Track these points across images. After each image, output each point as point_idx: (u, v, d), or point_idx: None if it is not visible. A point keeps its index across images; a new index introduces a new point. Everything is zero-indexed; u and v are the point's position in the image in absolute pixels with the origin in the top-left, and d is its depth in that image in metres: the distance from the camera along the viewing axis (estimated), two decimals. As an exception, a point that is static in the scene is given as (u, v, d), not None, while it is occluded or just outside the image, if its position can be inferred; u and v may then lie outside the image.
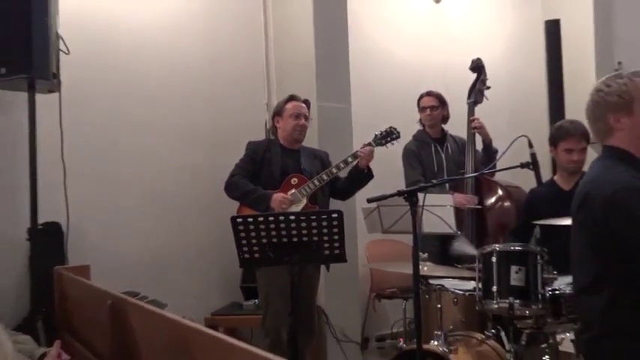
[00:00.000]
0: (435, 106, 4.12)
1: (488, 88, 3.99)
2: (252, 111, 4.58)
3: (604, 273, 2.01)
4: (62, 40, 3.48)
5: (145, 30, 4.20)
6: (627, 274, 1.96)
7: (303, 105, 3.62)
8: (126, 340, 2.05)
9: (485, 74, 3.99)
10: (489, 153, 3.97)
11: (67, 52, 3.51)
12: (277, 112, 3.66)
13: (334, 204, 3.65)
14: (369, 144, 3.54)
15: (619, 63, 5.85)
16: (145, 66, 4.18)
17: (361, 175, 3.55)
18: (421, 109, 4.16)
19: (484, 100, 3.99)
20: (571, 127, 3.22)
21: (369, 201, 2.92)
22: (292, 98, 3.63)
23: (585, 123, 2.41)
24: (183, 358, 1.60)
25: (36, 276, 3.45)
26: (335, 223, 2.63)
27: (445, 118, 4.18)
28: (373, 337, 4.72)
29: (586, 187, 2.07)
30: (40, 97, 3.43)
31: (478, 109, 4.06)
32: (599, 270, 2.03)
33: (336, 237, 2.66)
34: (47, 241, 3.56)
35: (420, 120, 4.19)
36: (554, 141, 3.29)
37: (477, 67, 3.99)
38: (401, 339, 3.94)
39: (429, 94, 4.17)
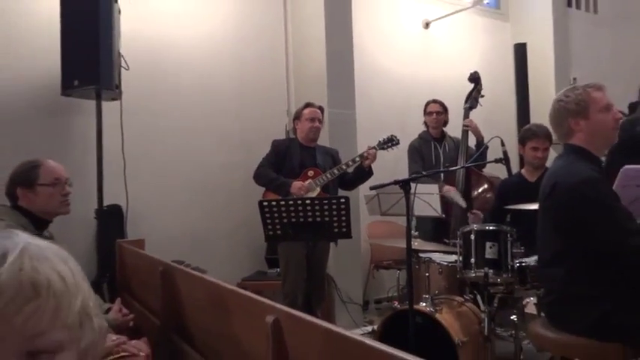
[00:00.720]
0: (439, 111, 4.07)
1: (483, 96, 3.93)
2: (275, 116, 4.56)
3: (565, 249, 2.00)
4: (123, 57, 3.49)
5: (189, 50, 4.19)
6: (583, 250, 1.95)
7: (318, 110, 3.59)
8: (174, 298, 2.06)
9: (480, 84, 3.93)
10: (481, 148, 3.93)
11: (126, 67, 3.52)
12: (296, 117, 3.64)
13: (342, 192, 3.62)
14: (374, 148, 3.50)
15: (574, 78, 5.79)
16: (188, 79, 4.17)
17: (363, 173, 3.53)
18: (428, 113, 4.09)
19: (478, 105, 3.93)
20: (537, 129, 3.18)
21: (372, 188, 2.91)
22: (308, 105, 3.60)
23: (549, 127, 2.39)
24: (221, 313, 1.60)
25: (101, 248, 3.47)
26: (343, 206, 2.64)
27: (445, 122, 4.14)
28: (372, 300, 4.70)
29: (553, 179, 2.06)
30: (105, 104, 3.44)
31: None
32: (560, 247, 2.02)
33: (343, 218, 2.65)
34: (110, 220, 3.58)
35: (425, 122, 4.13)
36: (522, 140, 3.23)
37: (474, 78, 3.94)
38: (395, 301, 3.93)
39: (434, 101, 4.12)
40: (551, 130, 2.33)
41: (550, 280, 2.08)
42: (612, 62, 5.99)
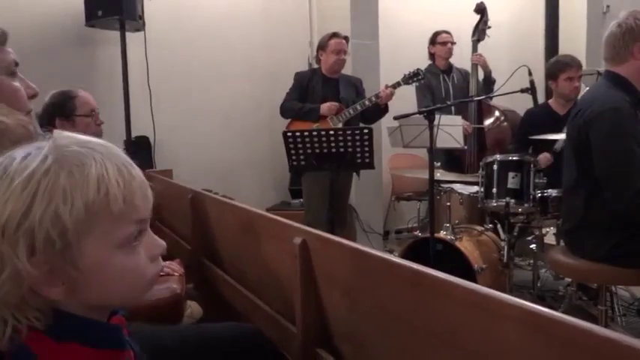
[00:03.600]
0: (452, 41, 3.96)
1: (489, 27, 3.79)
2: (298, 48, 4.47)
3: (582, 176, 1.98)
4: (146, -13, 3.44)
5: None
6: (596, 178, 1.92)
7: (344, 41, 3.49)
8: (203, 224, 2.11)
9: (487, 16, 3.78)
10: (488, 82, 3.83)
11: (149, -2, 3.47)
12: (321, 47, 3.53)
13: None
14: (397, 84, 3.42)
15: (607, 6, 5.48)
16: (212, 9, 4.09)
17: (379, 110, 3.49)
18: (441, 43, 3.96)
19: (486, 37, 3.80)
20: (570, 60, 3.06)
21: (395, 118, 2.88)
22: (335, 35, 3.49)
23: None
24: (249, 236, 1.64)
25: (131, 177, 3.54)
26: (366, 137, 2.62)
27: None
28: (393, 231, 4.77)
29: (580, 104, 2.01)
30: (129, 36, 3.42)
31: (484, 45, 3.89)
32: (578, 173, 2.00)
33: (366, 149, 2.64)
34: (139, 151, 3.64)
35: (432, 54, 4.02)
36: (554, 73, 3.10)
37: (480, 9, 3.78)
38: (416, 231, 3.99)
39: (445, 32, 4.00)
40: (602, 49, 2.08)
41: (569, 207, 2.08)
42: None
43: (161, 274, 1.78)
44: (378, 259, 1.03)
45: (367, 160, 2.69)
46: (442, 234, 2.77)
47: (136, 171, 0.70)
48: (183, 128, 3.95)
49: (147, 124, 3.64)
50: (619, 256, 1.91)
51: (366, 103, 3.41)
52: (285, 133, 2.71)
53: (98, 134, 2.18)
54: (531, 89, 2.91)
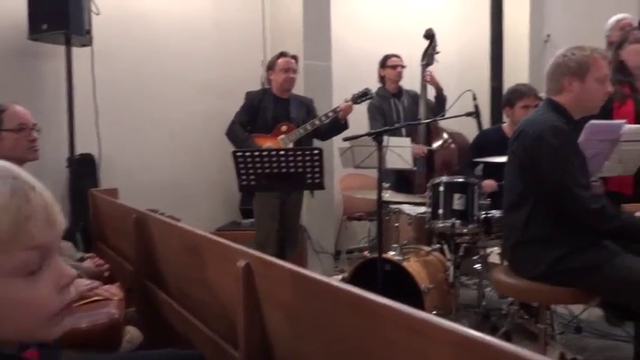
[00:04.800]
0: (402, 65, 4.05)
1: (438, 52, 3.91)
2: (251, 66, 4.47)
3: (524, 193, 2.07)
4: (93, 2, 3.36)
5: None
6: (539, 194, 2.03)
7: (292, 60, 3.52)
8: (147, 245, 2.06)
9: (435, 41, 3.90)
10: (440, 99, 3.94)
11: (97, 12, 3.39)
12: (270, 66, 3.56)
13: (316, 142, 3.62)
14: (349, 101, 3.47)
15: (548, 35, 5.78)
16: (163, 25, 4.05)
17: (339, 125, 3.51)
18: (391, 67, 4.05)
19: (435, 62, 3.92)
20: (525, 89, 3.17)
21: (345, 139, 2.92)
22: (282, 55, 3.53)
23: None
24: (193, 258, 1.61)
25: (74, 196, 3.42)
26: (316, 158, 2.63)
27: None
28: (344, 250, 4.79)
29: (522, 126, 2.12)
30: (75, 50, 3.34)
31: (433, 69, 3.98)
32: (520, 191, 2.09)
33: (316, 169, 2.65)
34: (83, 169, 3.52)
35: (382, 77, 4.10)
36: (510, 101, 3.18)
37: (429, 35, 3.90)
38: (366, 251, 4.02)
39: (395, 55, 4.09)
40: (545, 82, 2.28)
41: (510, 224, 2.16)
42: (586, 19, 5.98)
43: (99, 298, 1.72)
44: (320, 283, 1.03)
45: (317, 181, 2.70)
46: (390, 254, 2.80)
47: (39, 195, 0.66)
48: (130, 146, 3.86)
49: (92, 141, 3.54)
50: (556, 274, 1.98)
51: (322, 119, 3.43)
52: (234, 153, 2.70)
53: (31, 151, 2.09)
54: (476, 113, 3.01)
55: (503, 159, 2.76)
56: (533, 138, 2.01)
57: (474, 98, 3.14)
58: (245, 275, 1.27)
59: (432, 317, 0.80)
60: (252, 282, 1.27)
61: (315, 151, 2.63)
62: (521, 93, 3.15)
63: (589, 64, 2.03)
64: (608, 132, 2.46)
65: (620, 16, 3.85)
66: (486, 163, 3.19)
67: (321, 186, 2.73)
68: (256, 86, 4.11)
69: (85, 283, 1.75)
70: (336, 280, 1.03)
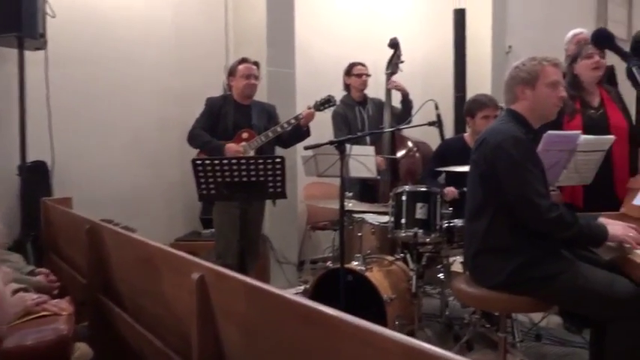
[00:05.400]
0: (367, 74, 4.09)
1: (403, 62, 3.97)
2: (213, 72, 4.43)
3: (485, 202, 2.12)
4: (48, 4, 3.28)
5: (123, 1, 3.99)
6: (500, 203, 2.07)
7: (254, 66, 3.50)
8: (100, 257, 2.02)
9: (400, 50, 3.96)
10: (407, 104, 3.98)
11: (52, 15, 3.32)
12: (231, 73, 3.53)
13: (278, 150, 3.61)
14: (312, 108, 3.48)
15: (509, 46, 5.95)
16: (122, 29, 3.97)
17: (301, 132, 3.50)
18: (356, 75, 4.08)
19: (399, 71, 3.98)
20: (485, 99, 3.24)
21: (306, 148, 2.93)
22: (243, 60, 3.50)
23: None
24: (147, 271, 1.59)
25: (25, 205, 3.32)
26: (278, 166, 2.63)
27: None
28: (308, 261, 4.78)
29: (484, 135, 2.18)
30: (29, 54, 3.25)
31: (397, 78, 4.04)
32: (481, 199, 2.14)
33: (278, 178, 2.65)
34: (35, 177, 3.41)
35: (347, 85, 4.13)
36: (471, 111, 3.25)
37: (394, 44, 3.96)
38: (330, 261, 4.02)
39: (361, 63, 4.13)
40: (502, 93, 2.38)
41: (471, 232, 2.21)
42: (546, 30, 6.17)
43: (47, 313, 1.67)
44: (274, 296, 1.03)
45: (279, 190, 2.70)
46: (353, 265, 2.81)
47: None
48: (85, 153, 3.76)
49: (45, 148, 3.43)
50: (516, 283, 2.03)
51: (284, 126, 3.42)
52: (194, 161, 2.67)
53: None
54: (438, 122, 3.07)
55: (464, 168, 2.82)
56: (493, 147, 2.08)
57: (436, 108, 3.19)
58: (199, 288, 1.26)
59: (383, 330, 0.80)
60: (206, 295, 1.26)
61: (277, 159, 2.64)
62: (481, 103, 3.22)
63: (538, 72, 2.13)
64: (565, 142, 2.55)
65: (576, 30, 3.99)
66: (448, 173, 3.25)
67: (283, 195, 2.73)
68: (218, 93, 4.07)
69: (32, 297, 1.69)
70: (289, 293, 1.03)
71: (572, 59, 3.10)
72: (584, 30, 3.97)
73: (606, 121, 2.97)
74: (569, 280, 1.96)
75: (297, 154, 3.87)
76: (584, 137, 2.57)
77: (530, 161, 2.05)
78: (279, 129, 3.41)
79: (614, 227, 1.99)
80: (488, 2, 5.91)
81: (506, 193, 2.03)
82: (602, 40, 2.22)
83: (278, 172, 2.64)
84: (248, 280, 1.13)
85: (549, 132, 2.46)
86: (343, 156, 2.59)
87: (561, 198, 2.93)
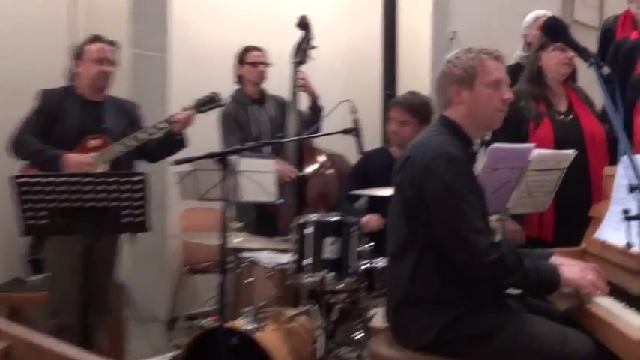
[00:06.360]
0: (266, 62, 4.12)
1: (314, 47, 4.02)
2: (51, 56, 4.27)
3: (411, 237, 2.17)
4: None
5: None
6: (428, 240, 2.12)
7: (109, 47, 3.42)
8: None
9: (311, 33, 4.01)
10: (316, 110, 4.06)
11: None
12: (77, 55, 3.44)
13: (141, 166, 3.54)
14: (190, 108, 3.44)
15: (454, 32, 6.22)
16: None
17: (173, 142, 3.44)
18: (250, 64, 4.11)
19: (308, 59, 4.01)
20: (398, 97, 3.36)
21: (177, 163, 2.91)
22: (95, 39, 3.42)
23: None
24: None
25: None
26: (137, 187, 2.65)
27: None
28: (183, 317, 4.69)
29: (410, 151, 2.23)
30: None
31: (308, 70, 4.11)
32: (407, 234, 2.18)
33: (137, 203, 2.66)
34: None
35: (240, 77, 4.16)
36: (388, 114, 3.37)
37: (303, 24, 3.98)
38: (213, 317, 3.97)
39: (257, 49, 4.16)
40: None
41: (394, 277, 2.26)
42: (499, 14, 6.53)
43: None
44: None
45: (139, 219, 2.71)
46: (239, 321, 2.80)
47: None
48: None
49: None
50: (447, 343, 2.08)
51: (151, 132, 3.37)
52: (16, 179, 2.58)
53: None
54: (355, 130, 3.13)
55: (390, 191, 2.91)
56: (420, 169, 2.12)
57: (354, 111, 3.27)
58: (4, 361, 1.21)
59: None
60: (12, 370, 1.21)
61: (136, 178, 2.62)
62: (392, 102, 3.35)
63: (476, 67, 2.19)
64: (517, 158, 2.66)
65: (539, 12, 4.17)
66: (371, 196, 3.32)
67: (143, 227, 2.72)
68: (58, 84, 3.94)
69: None
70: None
71: (540, 46, 3.21)
72: (549, 12, 4.21)
73: (579, 127, 3.13)
74: (510, 338, 2.04)
75: (170, 170, 3.82)
76: (537, 152, 2.70)
77: (466, 186, 2.11)
78: (143, 135, 3.35)
79: (569, 269, 2.10)
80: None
81: (435, 226, 2.09)
82: (553, 31, 2.34)
83: (138, 194, 2.65)
84: (74, 353, 1.09)
85: (494, 145, 2.58)
86: (226, 172, 2.60)
87: (523, 235, 3.02)
